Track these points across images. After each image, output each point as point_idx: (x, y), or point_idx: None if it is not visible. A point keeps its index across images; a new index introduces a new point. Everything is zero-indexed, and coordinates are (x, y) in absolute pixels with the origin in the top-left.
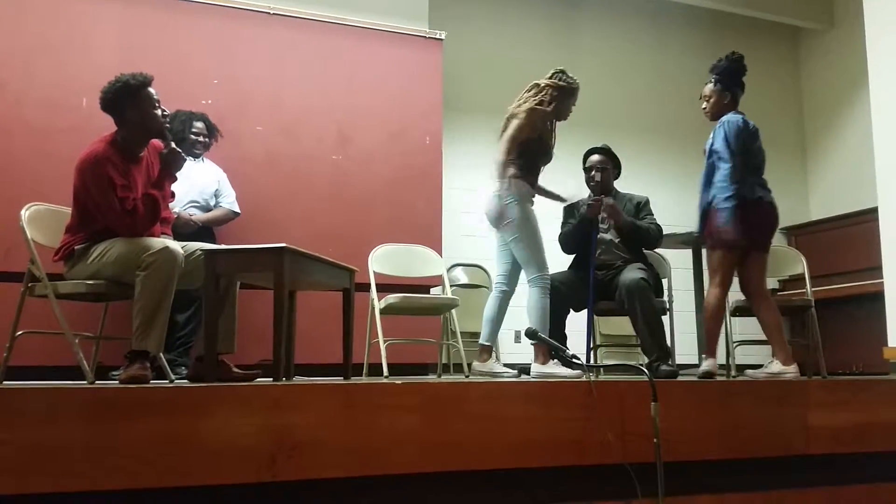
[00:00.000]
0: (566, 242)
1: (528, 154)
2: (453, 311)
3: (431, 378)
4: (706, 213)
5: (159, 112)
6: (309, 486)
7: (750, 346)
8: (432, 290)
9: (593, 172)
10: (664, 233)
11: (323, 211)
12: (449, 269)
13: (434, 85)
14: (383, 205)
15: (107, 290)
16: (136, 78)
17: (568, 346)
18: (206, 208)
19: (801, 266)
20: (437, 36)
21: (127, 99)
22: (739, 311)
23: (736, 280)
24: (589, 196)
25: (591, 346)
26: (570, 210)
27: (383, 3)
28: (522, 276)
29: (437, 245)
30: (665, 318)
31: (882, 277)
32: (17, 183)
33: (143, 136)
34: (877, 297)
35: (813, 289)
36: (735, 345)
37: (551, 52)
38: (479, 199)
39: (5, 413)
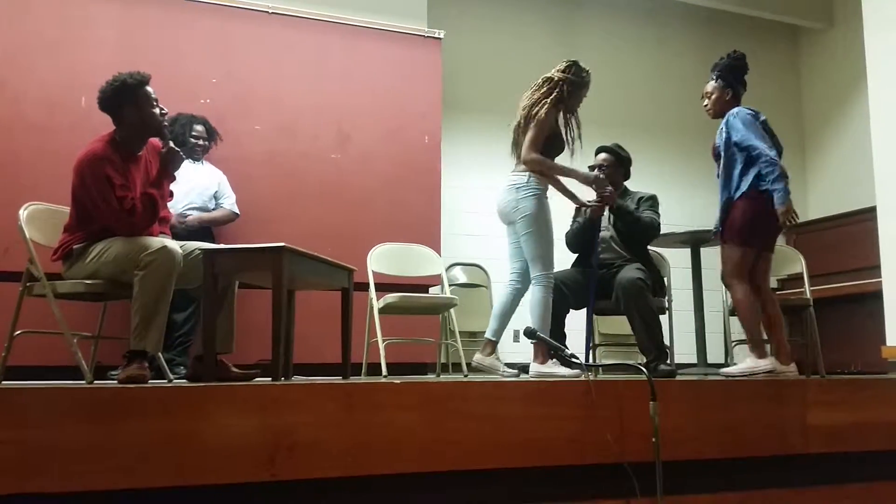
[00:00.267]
0: (571, 242)
1: (547, 147)
2: (452, 310)
3: (430, 377)
4: (728, 207)
5: (157, 111)
6: (308, 486)
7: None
8: (431, 290)
9: (597, 170)
10: (661, 232)
11: (321, 210)
12: (448, 269)
13: (433, 84)
14: (382, 204)
15: (105, 290)
16: (134, 77)
17: (567, 345)
18: (205, 210)
19: (799, 265)
20: (436, 35)
21: (125, 98)
22: None
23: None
24: (592, 200)
25: (591, 345)
26: (580, 210)
27: (382, 2)
28: None
29: (435, 244)
30: (664, 318)
31: (880, 276)
32: (16, 182)
33: (142, 135)
34: (875, 297)
35: (811, 288)
36: (734, 344)
37: (551, 51)
38: (485, 196)
39: (4, 413)
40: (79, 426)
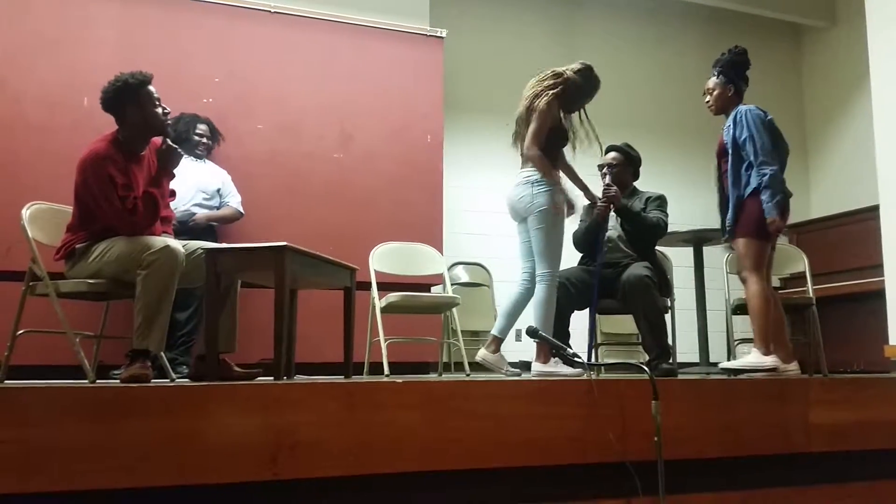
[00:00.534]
0: (579, 241)
1: (549, 140)
2: (454, 309)
3: (432, 377)
4: (740, 204)
5: (160, 110)
6: (310, 485)
7: (751, 344)
8: (433, 289)
9: (605, 169)
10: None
11: (323, 209)
12: (450, 268)
13: (435, 83)
14: (384, 203)
15: (108, 289)
16: (136, 77)
17: (570, 344)
18: (209, 209)
19: (802, 264)
20: (438, 34)
21: (127, 98)
22: (741, 308)
23: (734, 277)
24: (599, 197)
25: (594, 344)
26: (588, 209)
27: (384, 2)
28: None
29: (437, 243)
30: (667, 317)
31: (883, 275)
32: (18, 182)
33: (144, 135)
34: (878, 296)
35: (814, 287)
36: (736, 343)
37: (552, 50)
38: (487, 195)
39: (6, 412)
40: (81, 425)
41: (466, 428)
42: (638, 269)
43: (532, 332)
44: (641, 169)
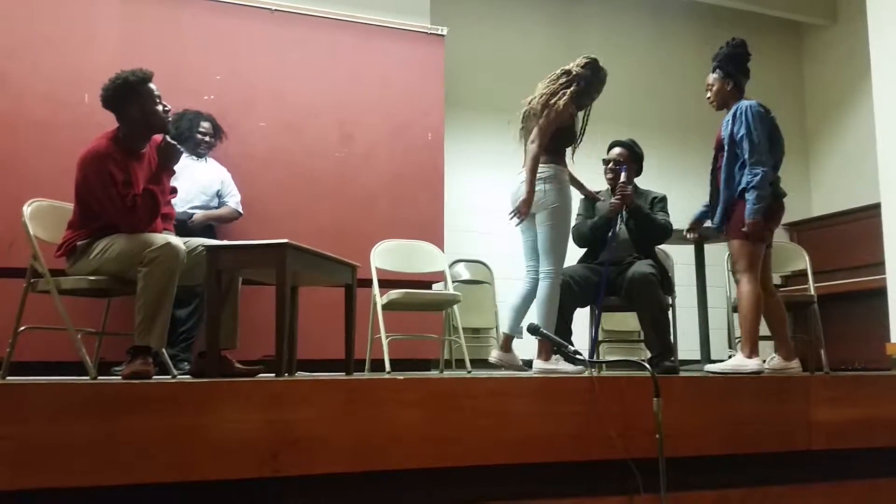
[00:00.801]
0: (581, 237)
1: (558, 139)
2: (455, 306)
3: (434, 374)
4: (731, 204)
5: (161, 108)
6: (311, 481)
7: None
8: (434, 286)
9: (610, 165)
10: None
11: (325, 207)
12: (451, 265)
13: (436, 81)
14: (385, 201)
15: (109, 286)
16: (136, 74)
17: (572, 341)
18: (208, 209)
19: (803, 262)
20: (439, 32)
21: (127, 95)
22: None
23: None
24: (609, 192)
25: (596, 341)
26: (587, 204)
27: (385, 0)
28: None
29: (438, 241)
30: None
31: (884, 273)
32: (20, 178)
33: (145, 132)
34: (879, 293)
35: (815, 285)
36: (737, 340)
37: (553, 48)
38: (488, 192)
39: (8, 409)
40: (83, 422)
41: (468, 425)
42: (643, 266)
43: (533, 330)
44: (644, 165)
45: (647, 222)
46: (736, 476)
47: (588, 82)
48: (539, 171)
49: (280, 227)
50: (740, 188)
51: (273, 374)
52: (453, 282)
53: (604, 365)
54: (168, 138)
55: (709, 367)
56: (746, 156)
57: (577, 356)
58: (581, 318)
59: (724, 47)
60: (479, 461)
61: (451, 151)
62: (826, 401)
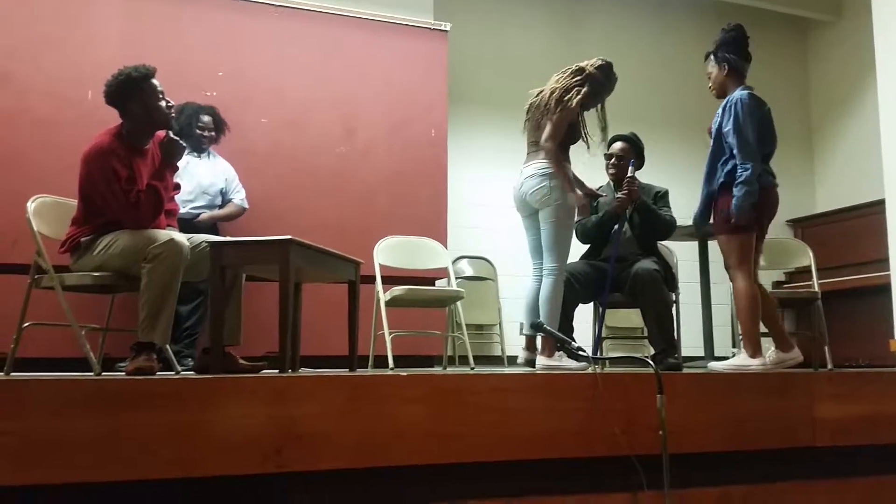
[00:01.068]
0: (586, 233)
1: (565, 136)
2: (458, 303)
3: (437, 370)
4: (712, 199)
5: (164, 104)
6: (314, 477)
7: None
8: (437, 283)
9: (612, 160)
10: None
11: (328, 203)
12: (454, 262)
13: (439, 77)
14: (388, 197)
15: (113, 282)
16: (139, 70)
17: (574, 337)
18: (213, 207)
19: (807, 258)
20: (442, 27)
21: (130, 91)
22: None
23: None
24: (610, 186)
25: (599, 338)
26: (589, 201)
27: None
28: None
29: (442, 237)
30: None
31: (888, 270)
32: (23, 175)
33: (148, 129)
34: (883, 290)
35: (819, 281)
36: (741, 337)
37: (556, 44)
38: (492, 188)
39: (12, 404)
40: (86, 418)
41: (471, 421)
42: (647, 263)
43: (536, 326)
44: (646, 161)
45: (652, 218)
46: (739, 473)
47: (600, 85)
48: (542, 166)
49: (283, 223)
50: (720, 182)
51: (276, 371)
52: (456, 278)
53: (607, 361)
54: (171, 134)
55: (712, 365)
56: (735, 150)
57: (581, 353)
58: (584, 315)
59: (719, 34)
60: (482, 457)
61: (454, 147)
62: (830, 397)
